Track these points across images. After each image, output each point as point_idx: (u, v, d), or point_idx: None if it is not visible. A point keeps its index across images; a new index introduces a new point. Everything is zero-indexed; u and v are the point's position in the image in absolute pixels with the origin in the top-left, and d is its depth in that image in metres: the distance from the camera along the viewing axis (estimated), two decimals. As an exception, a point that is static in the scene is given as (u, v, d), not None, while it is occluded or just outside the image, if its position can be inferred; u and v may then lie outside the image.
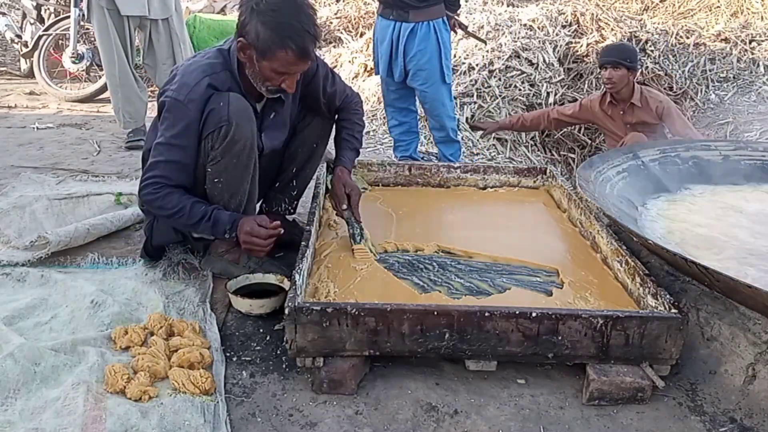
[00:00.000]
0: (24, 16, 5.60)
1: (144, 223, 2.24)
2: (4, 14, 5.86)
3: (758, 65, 5.50)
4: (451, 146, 3.53)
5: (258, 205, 2.40)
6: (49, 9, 5.35)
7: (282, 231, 1.94)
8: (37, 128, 4.09)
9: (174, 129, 1.89)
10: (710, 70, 5.40)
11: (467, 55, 5.04)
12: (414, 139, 3.61)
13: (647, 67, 5.27)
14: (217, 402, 1.53)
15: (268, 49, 1.81)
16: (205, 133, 1.90)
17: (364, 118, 2.39)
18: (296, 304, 1.58)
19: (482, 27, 5.29)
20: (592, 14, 5.59)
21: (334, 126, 2.35)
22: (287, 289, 1.78)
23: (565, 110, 3.76)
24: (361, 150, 2.38)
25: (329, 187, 2.61)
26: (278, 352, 1.77)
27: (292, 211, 2.44)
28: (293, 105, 2.18)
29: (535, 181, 2.84)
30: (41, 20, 5.38)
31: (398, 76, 3.32)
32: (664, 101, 3.40)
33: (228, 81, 1.94)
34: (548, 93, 5.05)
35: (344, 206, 2.20)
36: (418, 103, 3.54)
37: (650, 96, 3.38)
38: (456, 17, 3.44)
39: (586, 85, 5.23)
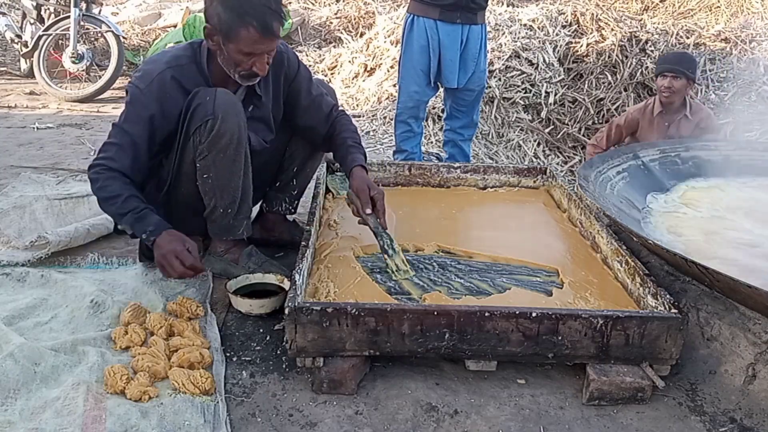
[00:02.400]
0: (24, 16, 5.60)
1: None
2: (4, 14, 5.86)
3: (758, 65, 5.50)
4: (466, 146, 3.56)
5: (258, 206, 2.41)
6: (49, 9, 5.35)
7: (196, 274, 1.91)
8: (37, 128, 4.10)
9: (129, 115, 1.91)
10: (710, 70, 5.40)
11: (480, 57, 5.04)
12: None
13: (647, 67, 5.27)
14: (217, 402, 1.53)
15: (231, 30, 1.80)
16: (192, 128, 1.89)
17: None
18: (296, 304, 1.58)
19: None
20: (592, 14, 5.59)
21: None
22: (287, 289, 1.78)
23: (605, 137, 3.56)
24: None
25: (329, 187, 2.61)
26: (278, 352, 1.77)
27: (292, 210, 2.43)
28: (275, 105, 2.14)
29: (535, 181, 2.84)
30: (41, 20, 5.38)
31: (462, 82, 3.27)
32: (708, 116, 3.36)
33: (194, 74, 1.94)
34: (548, 93, 5.05)
35: (368, 211, 2.03)
36: None
37: (697, 109, 3.33)
38: None
39: (586, 85, 5.23)
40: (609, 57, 5.28)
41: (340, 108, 2.29)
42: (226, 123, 1.88)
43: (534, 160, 4.79)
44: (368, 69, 5.41)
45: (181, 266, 1.83)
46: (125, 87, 1.97)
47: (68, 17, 4.89)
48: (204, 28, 1.87)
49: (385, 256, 1.99)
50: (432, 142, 4.23)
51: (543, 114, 5.05)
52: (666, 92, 3.22)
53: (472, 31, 3.19)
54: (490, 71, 4.92)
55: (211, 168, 1.93)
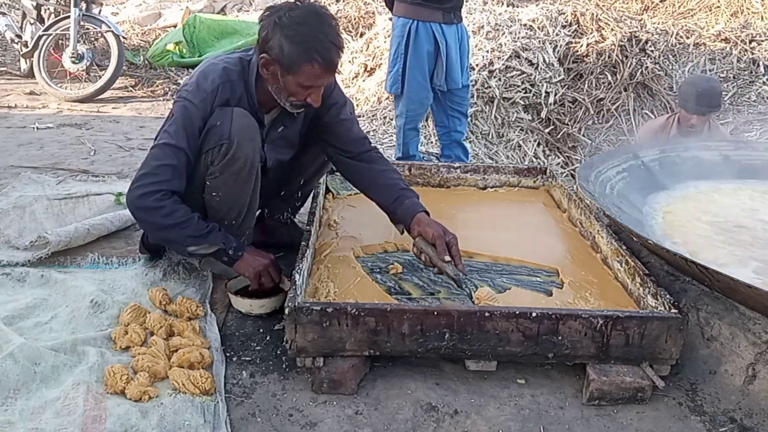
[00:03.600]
0: (24, 16, 5.60)
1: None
2: (4, 14, 5.86)
3: (758, 65, 5.50)
4: (466, 143, 3.56)
5: (258, 212, 2.40)
6: (49, 9, 5.35)
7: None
8: (37, 128, 4.10)
9: (182, 132, 1.84)
10: (710, 70, 5.41)
11: (469, 54, 5.04)
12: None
13: (647, 67, 5.27)
14: (217, 402, 1.53)
15: (294, 64, 1.76)
16: (205, 147, 1.87)
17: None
18: (296, 304, 1.58)
19: (482, 27, 5.29)
20: (592, 14, 5.59)
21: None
22: (287, 289, 1.78)
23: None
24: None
25: (329, 187, 2.61)
26: (278, 352, 1.77)
27: (293, 218, 2.44)
28: (303, 124, 2.12)
29: (535, 181, 2.83)
30: (41, 20, 5.38)
31: (464, 79, 3.28)
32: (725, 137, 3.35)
33: (241, 92, 1.91)
34: (548, 93, 5.05)
35: (448, 258, 1.85)
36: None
37: (715, 133, 3.32)
38: None
39: (586, 85, 5.23)
40: (609, 57, 5.28)
41: (374, 144, 2.19)
42: (241, 149, 1.85)
43: (534, 160, 4.79)
44: (368, 69, 5.42)
45: (272, 280, 1.93)
46: (177, 97, 1.90)
47: (68, 17, 4.89)
48: (260, 55, 1.82)
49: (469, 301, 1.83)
50: (432, 142, 4.23)
51: (543, 114, 5.05)
52: (692, 128, 3.21)
53: (462, 29, 3.24)
54: (490, 71, 4.93)
55: (221, 188, 1.92)
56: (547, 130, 5.05)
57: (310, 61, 1.75)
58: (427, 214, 1.98)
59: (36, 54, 5.02)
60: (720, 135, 3.34)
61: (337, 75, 1.98)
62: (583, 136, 5.10)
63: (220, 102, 1.88)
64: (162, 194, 1.82)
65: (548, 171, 2.83)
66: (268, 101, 1.94)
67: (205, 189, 1.94)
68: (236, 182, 1.92)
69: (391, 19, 3.36)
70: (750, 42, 5.71)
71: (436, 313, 1.59)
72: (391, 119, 4.48)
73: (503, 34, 5.23)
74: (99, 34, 5.25)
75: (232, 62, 1.93)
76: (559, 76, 5.15)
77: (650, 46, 5.40)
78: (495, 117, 4.87)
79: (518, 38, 5.21)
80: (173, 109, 1.89)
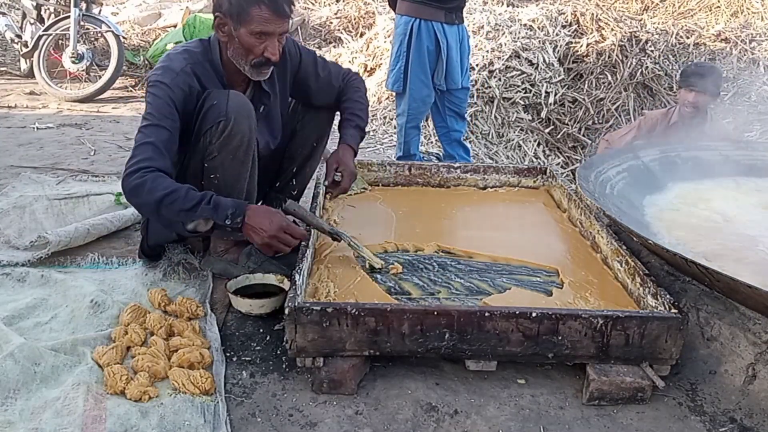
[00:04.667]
0: (24, 16, 5.60)
1: (141, 223, 2.23)
2: (4, 14, 5.86)
3: (758, 65, 5.51)
4: (466, 143, 3.57)
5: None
6: (49, 9, 5.35)
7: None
8: (37, 128, 4.10)
9: (159, 111, 1.84)
10: (710, 70, 5.40)
11: (469, 55, 5.05)
12: None
13: (647, 67, 5.27)
14: (217, 402, 1.53)
15: (243, 11, 1.80)
16: (204, 128, 1.89)
17: (368, 96, 2.32)
18: (296, 304, 1.58)
19: (482, 27, 5.29)
20: (592, 14, 5.59)
21: (332, 124, 2.34)
22: (287, 289, 1.78)
23: (621, 137, 3.53)
24: (366, 128, 2.27)
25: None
26: (278, 352, 1.77)
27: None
28: (282, 100, 2.16)
29: (535, 181, 2.83)
30: (41, 20, 5.38)
31: (463, 81, 3.29)
32: (725, 135, 3.32)
33: (208, 70, 1.94)
34: (548, 93, 5.05)
35: (326, 183, 2.15)
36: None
37: (716, 125, 3.29)
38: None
39: (586, 85, 5.23)
40: (609, 57, 5.28)
41: (351, 73, 2.29)
42: (238, 125, 1.87)
43: (534, 160, 4.79)
44: (368, 69, 5.42)
45: (295, 240, 1.81)
46: (147, 86, 1.90)
47: (68, 17, 4.89)
48: (214, 19, 1.87)
49: (356, 252, 2.01)
50: (432, 142, 4.23)
51: (543, 114, 5.05)
52: (689, 107, 3.17)
53: (463, 30, 3.24)
54: (490, 71, 4.93)
55: (219, 169, 1.93)
56: (547, 130, 5.05)
57: (257, 3, 1.79)
58: (349, 144, 2.17)
59: (36, 54, 5.03)
60: (721, 130, 3.31)
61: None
62: (583, 136, 5.10)
63: (191, 80, 1.89)
64: (141, 171, 1.74)
65: (548, 171, 2.83)
66: (237, 80, 1.98)
67: (204, 173, 1.94)
68: (234, 161, 1.92)
69: (393, 19, 3.37)
70: (750, 42, 5.71)
71: (436, 313, 1.59)
72: (391, 119, 4.49)
73: (503, 34, 5.23)
74: (99, 34, 5.25)
75: (192, 45, 1.98)
76: (559, 76, 5.15)
77: (650, 46, 5.40)
78: (495, 117, 4.87)
79: (518, 38, 5.21)
80: (146, 96, 1.89)
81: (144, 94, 1.94)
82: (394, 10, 3.32)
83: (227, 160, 1.92)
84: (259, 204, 2.21)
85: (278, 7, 1.81)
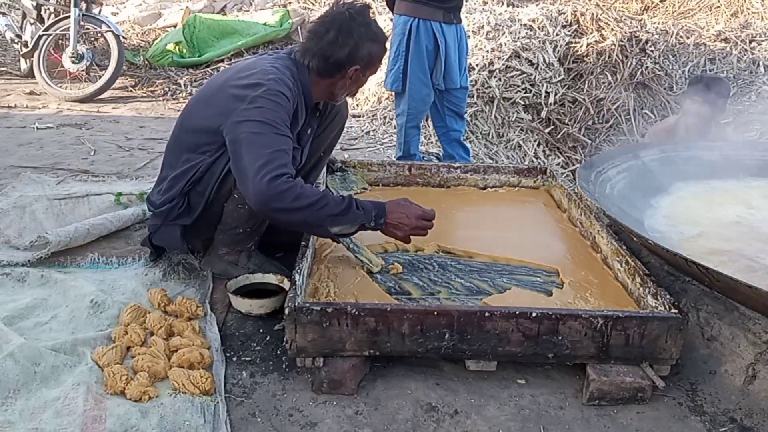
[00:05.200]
0: (24, 16, 5.59)
1: (146, 222, 2.23)
2: (4, 14, 5.86)
3: (758, 65, 5.50)
4: (465, 142, 3.57)
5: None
6: (49, 9, 5.35)
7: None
8: (37, 128, 4.09)
9: (283, 120, 1.81)
10: (710, 70, 5.40)
11: (467, 55, 5.05)
12: None
13: (647, 67, 5.27)
14: (217, 402, 1.53)
15: (378, 59, 2.00)
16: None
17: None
18: (296, 304, 1.58)
19: (482, 27, 5.29)
20: (592, 14, 5.59)
21: (341, 134, 2.40)
22: (287, 289, 1.78)
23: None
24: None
25: (329, 187, 2.61)
26: (278, 352, 1.77)
27: None
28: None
29: (535, 181, 2.83)
30: (41, 20, 5.38)
31: (461, 80, 3.30)
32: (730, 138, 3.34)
33: (300, 91, 1.97)
34: (548, 93, 5.05)
35: None
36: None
37: (719, 136, 3.29)
38: None
39: (586, 85, 5.23)
40: (609, 57, 5.28)
41: None
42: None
43: (534, 160, 4.79)
44: (368, 69, 5.41)
45: (430, 223, 1.94)
46: (262, 91, 1.81)
47: (68, 17, 4.89)
48: (354, 70, 1.95)
49: (355, 255, 2.00)
50: (432, 142, 4.23)
51: (543, 114, 5.05)
52: (693, 118, 3.17)
53: (461, 30, 3.25)
54: (490, 71, 4.93)
55: (247, 202, 1.88)
56: (547, 130, 5.05)
57: (385, 49, 2.01)
58: None
59: (36, 54, 5.02)
60: (725, 135, 3.31)
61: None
62: (583, 136, 5.10)
63: (294, 98, 1.91)
64: (287, 177, 1.72)
65: (548, 171, 2.83)
66: (311, 103, 2.06)
67: (230, 199, 1.96)
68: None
69: (392, 20, 3.36)
70: (750, 42, 5.71)
71: (436, 313, 1.59)
72: (391, 119, 4.48)
73: (503, 34, 5.23)
74: (99, 34, 5.24)
75: (288, 63, 1.97)
76: (559, 76, 5.15)
77: (650, 46, 5.40)
78: (495, 117, 4.87)
79: (518, 38, 5.21)
80: (263, 102, 1.80)
81: (254, 97, 1.81)
82: (392, 11, 3.32)
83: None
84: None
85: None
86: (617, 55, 5.27)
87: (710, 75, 3.31)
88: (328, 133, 2.32)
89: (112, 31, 4.90)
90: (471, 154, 3.62)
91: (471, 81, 4.79)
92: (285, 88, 1.85)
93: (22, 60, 5.69)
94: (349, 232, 1.86)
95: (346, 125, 2.49)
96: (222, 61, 5.94)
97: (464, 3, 3.27)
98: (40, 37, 5.03)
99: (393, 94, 3.70)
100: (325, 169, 2.61)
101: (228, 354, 1.75)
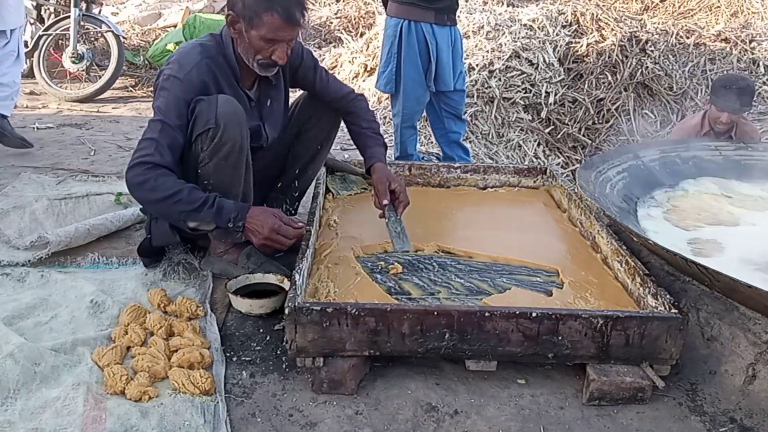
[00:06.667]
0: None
1: (145, 222, 2.23)
2: (4, 14, 5.85)
3: (758, 65, 5.51)
4: (465, 143, 3.56)
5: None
6: (49, 9, 5.35)
7: (305, 230, 1.92)
8: (37, 128, 4.10)
9: (169, 107, 1.85)
10: (710, 70, 5.41)
11: (467, 55, 5.04)
12: None
13: (647, 67, 5.27)
14: (217, 402, 1.53)
15: (255, 15, 1.81)
16: (194, 134, 1.88)
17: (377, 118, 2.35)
18: (296, 304, 1.58)
19: (482, 27, 5.29)
20: (592, 14, 5.59)
21: (338, 128, 2.35)
22: (287, 289, 1.78)
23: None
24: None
25: (329, 187, 2.61)
26: (278, 352, 1.77)
27: (292, 212, 2.44)
28: (285, 93, 2.18)
29: (535, 181, 2.83)
30: (41, 20, 5.38)
31: (454, 84, 3.29)
32: (751, 132, 3.31)
33: (223, 65, 1.94)
34: (548, 93, 5.05)
35: (385, 202, 2.10)
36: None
37: (742, 128, 3.27)
38: None
39: (586, 85, 5.23)
40: (609, 57, 5.28)
41: (357, 93, 2.32)
42: (227, 132, 1.87)
43: (534, 160, 4.79)
44: (368, 69, 5.41)
45: (288, 240, 1.85)
46: (159, 79, 1.91)
47: (68, 17, 4.89)
48: (227, 16, 1.88)
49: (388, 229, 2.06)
50: (432, 142, 4.23)
51: (543, 114, 5.05)
52: (722, 126, 3.15)
53: (456, 33, 3.23)
54: (490, 71, 4.93)
55: (212, 176, 1.92)
56: (547, 130, 5.05)
57: (270, 10, 1.80)
58: (385, 162, 2.20)
59: (36, 54, 5.02)
60: (746, 131, 3.27)
61: (337, 73, 2.01)
62: (583, 136, 5.10)
63: (205, 76, 1.89)
64: (144, 167, 1.79)
65: (548, 171, 2.83)
66: (249, 74, 1.98)
67: (198, 181, 1.94)
68: (225, 167, 1.92)
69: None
70: (750, 42, 5.71)
71: (436, 313, 1.59)
72: (391, 119, 4.48)
73: (503, 34, 5.23)
74: (99, 34, 5.25)
75: (205, 39, 1.97)
76: (559, 76, 5.15)
77: (650, 46, 5.40)
78: (495, 117, 4.87)
79: (518, 38, 5.21)
80: (158, 89, 1.89)
81: (155, 86, 1.94)
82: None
83: (219, 166, 1.91)
84: (262, 205, 2.21)
85: (290, 15, 1.82)
86: (617, 55, 5.27)
87: (736, 80, 3.21)
88: (323, 124, 2.29)
89: (112, 31, 4.91)
90: (471, 154, 3.62)
91: (471, 81, 4.80)
92: (180, 71, 1.86)
93: (22, 60, 5.68)
94: (208, 229, 1.87)
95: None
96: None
97: (459, 5, 3.25)
98: (40, 37, 5.03)
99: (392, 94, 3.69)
100: (325, 170, 2.61)
101: (228, 354, 1.75)
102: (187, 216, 1.83)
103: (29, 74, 5.40)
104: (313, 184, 2.50)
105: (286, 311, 1.57)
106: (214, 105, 1.86)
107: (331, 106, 2.27)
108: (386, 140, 4.18)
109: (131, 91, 5.41)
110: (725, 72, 5.37)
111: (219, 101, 1.87)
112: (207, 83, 1.90)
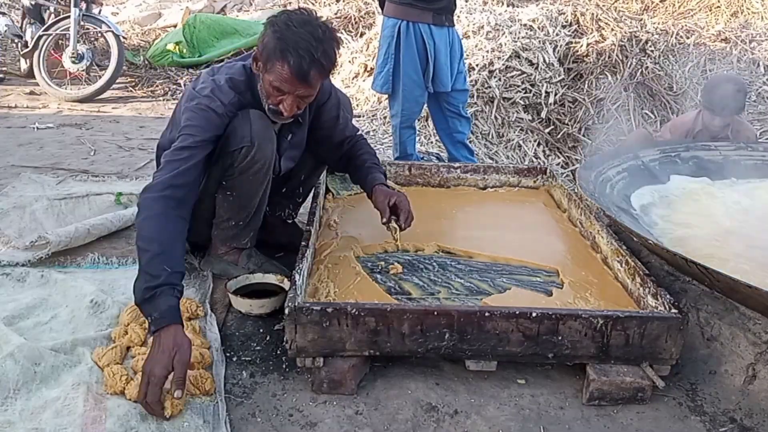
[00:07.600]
0: (24, 16, 5.59)
1: None
2: (4, 14, 5.86)
3: (758, 65, 5.51)
4: (468, 144, 3.57)
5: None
6: (49, 9, 5.35)
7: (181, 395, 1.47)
8: (37, 128, 4.10)
9: (199, 135, 1.79)
10: (710, 70, 5.40)
11: (467, 55, 5.04)
12: None
13: (647, 67, 5.27)
14: (217, 402, 1.53)
15: (269, 60, 1.75)
16: (227, 149, 1.87)
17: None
18: (296, 304, 1.58)
19: (482, 27, 5.29)
20: (592, 14, 5.59)
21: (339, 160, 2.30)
22: (287, 289, 1.78)
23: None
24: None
25: (329, 187, 2.61)
26: (278, 352, 1.77)
27: (294, 216, 2.45)
28: (307, 127, 2.14)
29: (535, 181, 2.83)
30: (41, 20, 5.38)
31: (454, 84, 3.29)
32: (746, 131, 3.30)
33: (251, 101, 1.91)
34: (548, 93, 5.05)
35: (384, 220, 2.07)
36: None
37: (737, 128, 3.26)
38: None
39: (586, 85, 5.23)
40: (609, 57, 5.28)
41: (359, 132, 2.28)
42: (261, 151, 1.88)
43: (534, 160, 4.79)
44: (368, 69, 5.40)
45: (145, 393, 1.44)
46: (190, 100, 1.84)
47: (68, 17, 4.89)
48: (253, 50, 1.87)
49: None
50: (432, 142, 4.23)
51: (543, 114, 5.05)
52: (716, 130, 3.15)
53: (454, 34, 3.23)
54: (490, 71, 4.93)
55: (236, 188, 1.95)
56: (547, 130, 5.05)
57: (283, 60, 1.72)
58: (386, 185, 2.14)
59: (36, 54, 5.02)
60: (741, 132, 3.27)
61: (337, 73, 1.99)
62: (583, 136, 5.10)
63: (233, 113, 1.87)
64: (156, 196, 1.68)
65: (548, 171, 2.83)
66: None
67: (220, 188, 1.96)
68: (252, 183, 1.95)
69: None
70: (750, 42, 5.71)
71: (436, 313, 1.59)
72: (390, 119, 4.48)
73: (503, 34, 5.23)
74: (99, 34, 5.25)
75: (236, 73, 1.92)
76: (559, 76, 5.15)
77: (650, 46, 5.39)
78: (495, 117, 4.87)
79: (518, 38, 5.21)
80: (189, 113, 1.82)
81: (179, 105, 1.91)
82: (382, 12, 3.31)
83: (246, 181, 1.93)
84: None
85: (301, 71, 1.73)
86: (617, 55, 5.27)
87: (725, 84, 3.19)
88: (322, 143, 2.24)
89: (112, 31, 4.91)
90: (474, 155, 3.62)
91: (471, 81, 4.79)
92: (216, 103, 1.82)
93: (22, 60, 5.69)
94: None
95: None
96: (222, 61, 5.94)
97: (457, 5, 3.23)
98: (40, 37, 5.03)
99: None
100: (325, 170, 2.61)
101: (228, 354, 1.75)
102: (139, 273, 1.59)
103: (29, 74, 5.41)
104: (311, 188, 2.50)
105: (286, 311, 1.57)
106: (248, 121, 1.86)
107: (337, 149, 2.23)
108: (388, 140, 4.20)
109: (131, 91, 5.41)
110: (725, 72, 5.37)
111: (252, 117, 1.87)
112: (234, 118, 1.88)
